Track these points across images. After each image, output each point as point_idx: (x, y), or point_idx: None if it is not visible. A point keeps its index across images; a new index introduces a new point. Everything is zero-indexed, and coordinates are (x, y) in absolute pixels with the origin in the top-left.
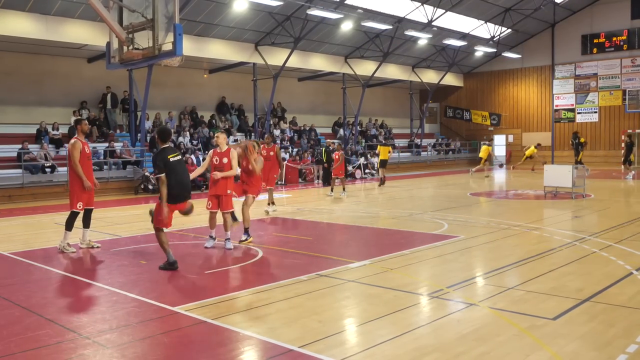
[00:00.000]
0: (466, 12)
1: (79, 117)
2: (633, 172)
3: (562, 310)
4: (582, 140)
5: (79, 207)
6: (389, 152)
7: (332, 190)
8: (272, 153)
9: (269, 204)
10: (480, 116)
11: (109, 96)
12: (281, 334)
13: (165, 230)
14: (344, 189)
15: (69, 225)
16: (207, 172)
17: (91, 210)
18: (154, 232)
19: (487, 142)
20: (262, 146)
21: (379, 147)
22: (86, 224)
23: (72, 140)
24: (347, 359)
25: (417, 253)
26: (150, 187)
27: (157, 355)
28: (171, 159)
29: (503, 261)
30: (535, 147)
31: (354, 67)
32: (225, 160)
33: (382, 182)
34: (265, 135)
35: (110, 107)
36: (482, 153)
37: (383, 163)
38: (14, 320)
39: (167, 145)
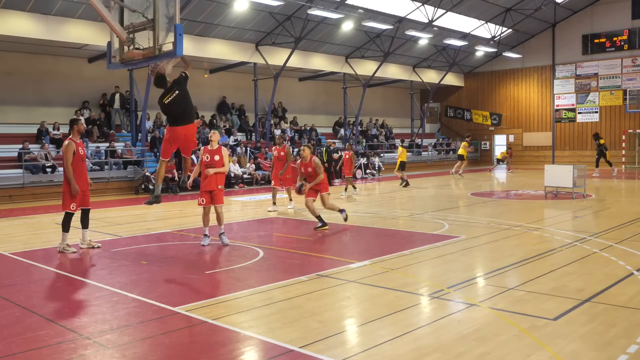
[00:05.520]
0: (467, 12)
1: (75, 117)
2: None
3: (562, 310)
4: (601, 141)
5: (72, 208)
6: (465, 147)
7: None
8: (282, 153)
9: (274, 202)
10: (480, 116)
11: (117, 96)
12: (282, 334)
13: None
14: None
15: (66, 227)
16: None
17: (88, 210)
18: (154, 232)
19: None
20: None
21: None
22: (84, 224)
23: (66, 142)
24: (347, 359)
25: (418, 253)
26: (151, 187)
27: (158, 355)
28: None
29: (504, 261)
30: None
31: (355, 67)
32: (217, 157)
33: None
34: (277, 136)
35: (119, 107)
36: (463, 150)
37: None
38: (14, 321)
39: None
